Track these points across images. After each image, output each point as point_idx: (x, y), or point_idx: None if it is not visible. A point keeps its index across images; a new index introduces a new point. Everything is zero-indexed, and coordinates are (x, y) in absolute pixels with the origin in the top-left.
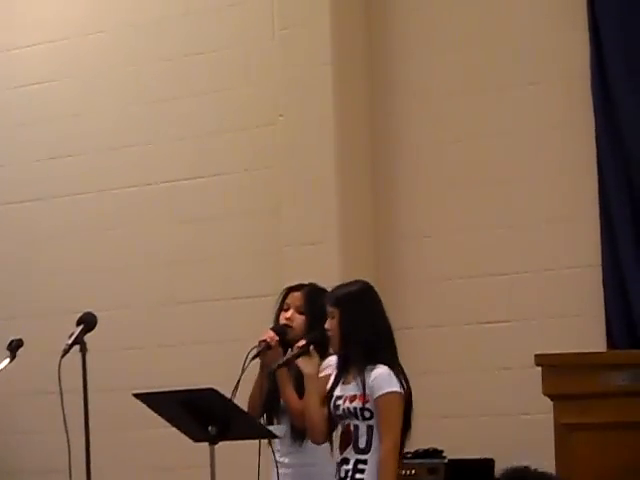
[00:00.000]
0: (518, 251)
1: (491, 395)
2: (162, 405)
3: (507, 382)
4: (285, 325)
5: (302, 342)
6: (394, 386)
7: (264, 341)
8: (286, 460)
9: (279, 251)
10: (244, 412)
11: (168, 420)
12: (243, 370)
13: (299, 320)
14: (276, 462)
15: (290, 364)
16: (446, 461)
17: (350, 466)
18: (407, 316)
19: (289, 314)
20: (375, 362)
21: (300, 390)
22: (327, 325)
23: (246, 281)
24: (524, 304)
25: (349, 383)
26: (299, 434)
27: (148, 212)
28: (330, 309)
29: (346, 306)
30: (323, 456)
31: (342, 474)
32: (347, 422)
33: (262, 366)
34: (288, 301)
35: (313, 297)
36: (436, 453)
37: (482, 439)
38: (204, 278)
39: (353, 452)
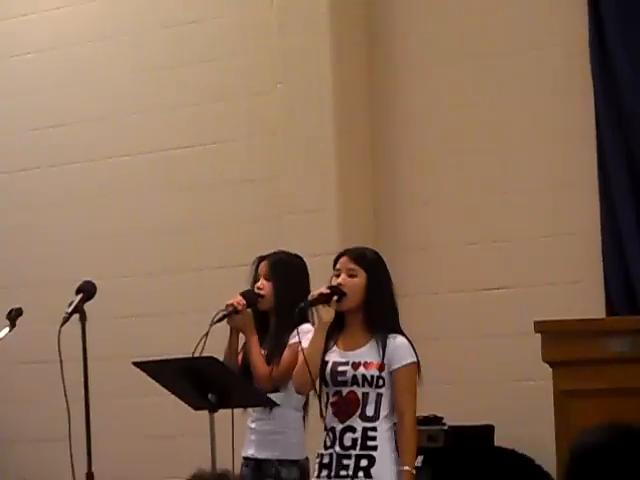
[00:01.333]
0: (517, 218)
1: (491, 362)
2: (162, 373)
3: (507, 349)
4: (257, 294)
5: (325, 289)
6: (414, 357)
7: (231, 305)
8: (253, 426)
9: (278, 219)
10: (244, 380)
11: (167, 388)
12: (206, 333)
13: (267, 287)
14: (251, 429)
15: (314, 306)
16: (446, 428)
17: (358, 434)
18: (406, 283)
19: (259, 283)
20: (394, 330)
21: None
22: (342, 281)
23: (246, 249)
24: (523, 271)
25: (354, 348)
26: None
27: (147, 180)
28: (352, 266)
29: (374, 268)
30: (293, 424)
31: (348, 442)
32: (350, 389)
33: (232, 330)
34: (260, 271)
35: (278, 263)
36: (436, 420)
37: (482, 406)
38: (204, 246)
39: (359, 420)
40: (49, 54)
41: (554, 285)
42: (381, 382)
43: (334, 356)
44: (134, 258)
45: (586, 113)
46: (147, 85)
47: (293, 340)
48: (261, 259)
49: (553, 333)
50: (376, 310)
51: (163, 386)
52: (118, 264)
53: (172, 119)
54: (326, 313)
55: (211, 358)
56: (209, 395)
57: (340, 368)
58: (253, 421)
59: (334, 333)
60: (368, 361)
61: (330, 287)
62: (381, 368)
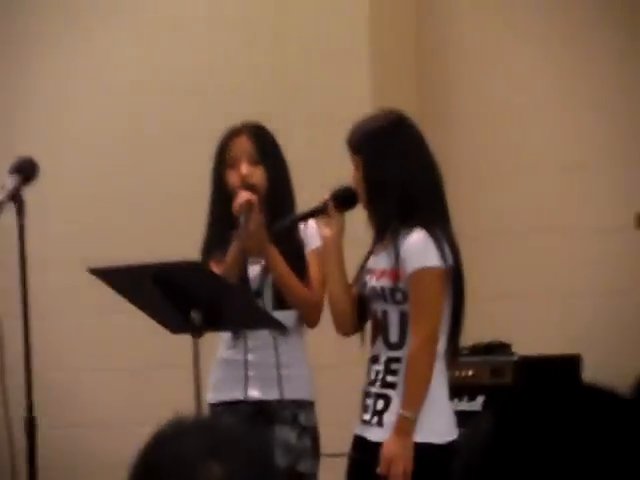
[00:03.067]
0: None
1: (579, 266)
2: (127, 283)
3: (600, 246)
4: (242, 185)
5: (325, 196)
6: (430, 258)
7: (246, 202)
8: (251, 358)
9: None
10: (241, 292)
11: (135, 303)
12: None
13: (259, 174)
14: (246, 361)
15: (302, 223)
16: (515, 358)
17: (381, 366)
18: (455, 161)
19: (244, 169)
20: (412, 224)
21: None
22: (353, 181)
23: None
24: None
25: (379, 253)
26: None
27: None
28: (352, 156)
29: (370, 149)
30: (302, 354)
31: (372, 375)
32: (376, 307)
33: (237, 236)
34: (234, 152)
35: (263, 135)
36: (502, 348)
37: (564, 328)
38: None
39: (384, 347)
40: None
41: None
42: (399, 296)
43: (370, 262)
44: (86, 125)
45: None
46: None
47: (312, 246)
48: (233, 133)
49: None
50: (380, 202)
51: (129, 300)
52: (65, 135)
53: None
54: (325, 228)
55: (195, 264)
56: (192, 313)
57: (365, 278)
58: (248, 351)
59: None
60: (380, 268)
61: (333, 192)
62: (396, 276)
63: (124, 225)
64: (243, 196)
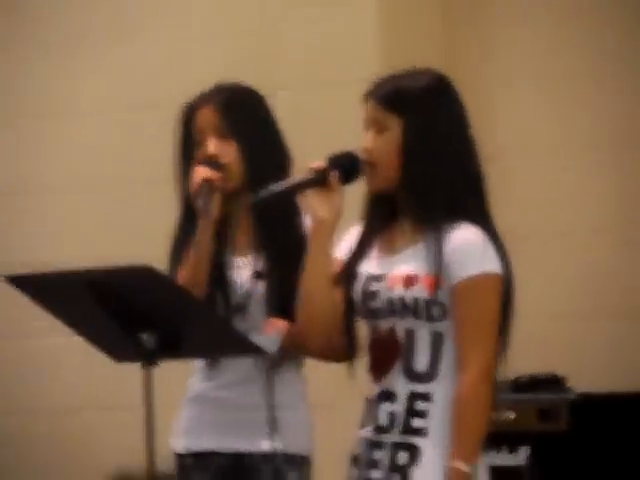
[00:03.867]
0: None
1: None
2: (56, 296)
3: None
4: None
5: (318, 164)
6: (489, 262)
7: (204, 181)
8: (231, 395)
9: None
10: (205, 307)
11: (67, 322)
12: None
13: (230, 151)
14: (223, 400)
15: (290, 196)
16: (572, 396)
17: (400, 405)
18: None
19: (211, 146)
20: (456, 218)
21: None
22: (367, 142)
23: None
24: None
25: (398, 251)
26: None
27: None
28: (380, 113)
29: (417, 110)
30: (297, 391)
31: (383, 419)
32: (389, 324)
33: (207, 224)
34: (200, 126)
35: (235, 104)
36: (555, 383)
37: (634, 359)
38: None
39: (404, 378)
40: None
41: None
42: (437, 311)
43: (369, 265)
44: None
45: None
46: None
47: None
48: (196, 105)
49: None
50: (423, 182)
51: (59, 319)
52: None
53: None
54: (319, 205)
55: (146, 269)
56: (143, 336)
57: (372, 286)
58: (227, 387)
59: (375, 227)
60: (412, 273)
61: (330, 157)
62: (435, 285)
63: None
64: (200, 173)
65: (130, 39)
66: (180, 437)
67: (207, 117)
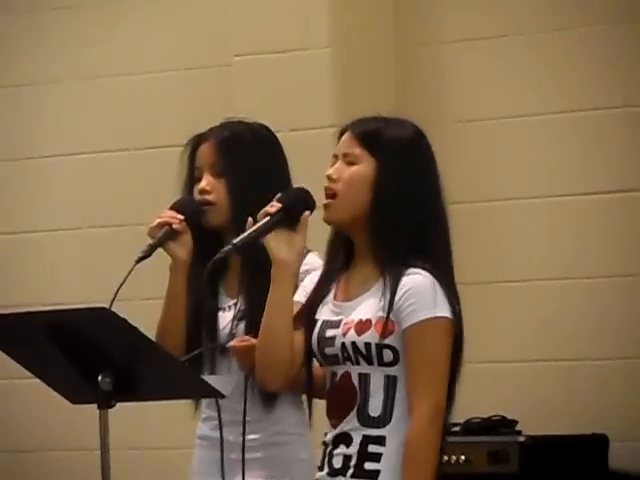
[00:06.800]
0: None
1: (596, 325)
2: (13, 337)
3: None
4: (201, 201)
5: (274, 205)
6: (442, 307)
7: (164, 225)
8: (232, 438)
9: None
10: (155, 347)
11: (25, 365)
12: (124, 280)
13: (219, 188)
14: (222, 439)
15: (252, 244)
16: (522, 439)
17: (353, 449)
18: None
19: (203, 182)
20: (415, 262)
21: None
22: (332, 171)
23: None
24: None
25: (353, 296)
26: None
27: None
28: (354, 148)
29: (394, 156)
30: (297, 429)
31: (337, 462)
32: (344, 370)
33: (174, 268)
34: (198, 163)
35: (233, 142)
36: (505, 425)
37: (584, 401)
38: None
39: (357, 423)
40: None
41: None
42: (388, 356)
43: (325, 312)
44: None
45: None
46: None
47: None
48: (200, 139)
49: None
50: (388, 226)
51: (16, 360)
52: None
53: None
54: (280, 247)
55: (103, 310)
56: (99, 377)
57: (328, 332)
58: (224, 426)
59: (335, 271)
60: (364, 318)
61: (282, 197)
62: (386, 330)
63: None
64: (163, 216)
65: None
66: (192, 477)
67: (205, 153)
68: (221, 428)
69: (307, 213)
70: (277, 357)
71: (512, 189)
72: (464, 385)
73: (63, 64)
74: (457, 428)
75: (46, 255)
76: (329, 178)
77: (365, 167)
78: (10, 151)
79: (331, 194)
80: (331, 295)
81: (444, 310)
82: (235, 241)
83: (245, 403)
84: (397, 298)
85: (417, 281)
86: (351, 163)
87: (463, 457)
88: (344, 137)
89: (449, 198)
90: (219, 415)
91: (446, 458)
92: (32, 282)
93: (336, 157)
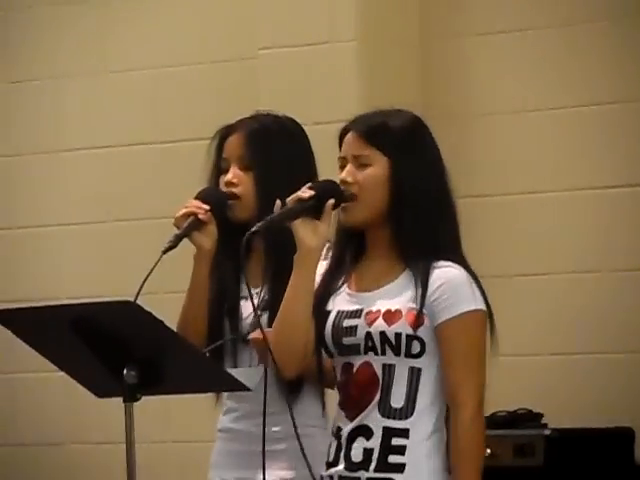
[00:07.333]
0: None
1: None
2: (38, 331)
3: None
4: (227, 194)
5: (306, 191)
6: (479, 301)
7: (189, 215)
8: (242, 427)
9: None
10: (181, 341)
11: (51, 359)
12: (151, 270)
13: (246, 181)
14: (264, 437)
15: (288, 221)
16: (548, 433)
17: (375, 441)
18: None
19: (230, 174)
20: (439, 256)
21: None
22: (346, 175)
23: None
24: None
25: (373, 287)
26: (294, 379)
27: None
28: (362, 149)
29: (404, 149)
30: (317, 422)
31: (355, 457)
32: (364, 359)
33: (198, 258)
34: (226, 154)
35: (261, 135)
36: (531, 419)
37: (610, 394)
38: None
39: (379, 414)
40: None
41: None
42: (417, 347)
43: (340, 302)
44: None
45: None
46: None
47: None
48: (228, 130)
49: None
50: (411, 221)
51: (42, 354)
52: None
53: None
54: (308, 234)
55: (127, 303)
56: (125, 371)
57: (347, 322)
58: (241, 418)
59: (345, 265)
60: (393, 309)
61: (314, 185)
62: (417, 321)
63: None
64: (189, 206)
65: None
66: (210, 470)
67: (233, 145)
68: (264, 420)
69: (331, 201)
70: (295, 343)
71: (537, 182)
72: (489, 378)
73: (83, 58)
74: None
75: (65, 250)
76: (344, 182)
77: (379, 167)
78: (28, 145)
79: (349, 197)
80: (344, 287)
81: (481, 303)
82: (267, 218)
83: (265, 394)
84: (430, 291)
85: (452, 274)
86: (364, 165)
87: (489, 450)
88: (349, 138)
89: (474, 191)
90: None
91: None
92: (47, 277)
93: (344, 159)
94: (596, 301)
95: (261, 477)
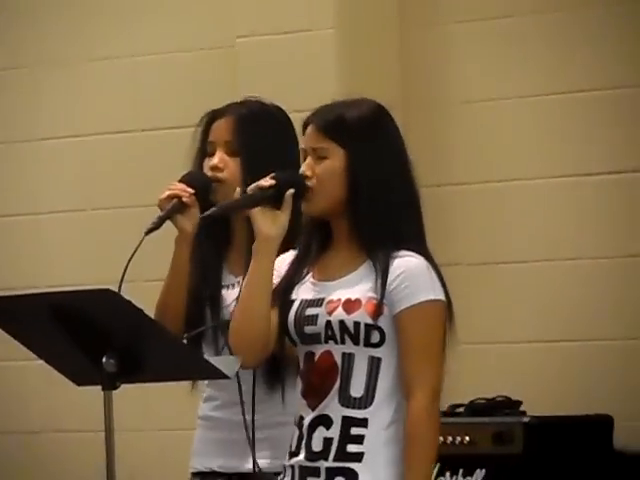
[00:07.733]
0: None
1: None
2: (17, 319)
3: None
4: (212, 178)
5: (268, 181)
6: (438, 291)
7: (170, 197)
8: (221, 415)
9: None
10: (159, 328)
11: (30, 347)
12: (132, 255)
13: (232, 166)
14: (246, 422)
15: (238, 213)
16: (527, 420)
17: (334, 430)
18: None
19: (215, 158)
20: (399, 245)
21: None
22: (306, 169)
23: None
24: None
25: (335, 277)
26: (275, 369)
27: None
28: (320, 141)
29: (360, 141)
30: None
31: (316, 446)
32: (325, 348)
33: (180, 240)
34: (212, 138)
35: (248, 120)
36: (509, 406)
37: (588, 382)
38: None
39: (338, 404)
40: None
41: None
42: (377, 336)
43: (304, 291)
44: None
45: None
46: None
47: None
48: (216, 114)
49: None
50: (368, 211)
51: (20, 342)
52: None
53: None
54: (266, 222)
55: (106, 291)
56: (104, 359)
57: (309, 311)
58: (221, 406)
59: (311, 254)
60: (353, 298)
61: (277, 175)
62: (377, 311)
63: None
64: (172, 188)
65: None
66: (192, 457)
67: (221, 130)
68: (253, 409)
69: (291, 191)
70: (253, 332)
71: (517, 170)
72: (468, 366)
73: (65, 45)
74: (461, 409)
75: (46, 237)
76: (304, 175)
77: (335, 159)
78: (9, 133)
79: (306, 189)
80: (309, 276)
81: (440, 293)
82: (223, 204)
83: (239, 383)
84: (390, 280)
85: (411, 264)
86: (321, 157)
87: (468, 438)
88: (308, 131)
89: (456, 179)
90: (241, 397)
91: (450, 439)
92: (30, 265)
93: (305, 151)
94: (574, 289)
95: (244, 465)
